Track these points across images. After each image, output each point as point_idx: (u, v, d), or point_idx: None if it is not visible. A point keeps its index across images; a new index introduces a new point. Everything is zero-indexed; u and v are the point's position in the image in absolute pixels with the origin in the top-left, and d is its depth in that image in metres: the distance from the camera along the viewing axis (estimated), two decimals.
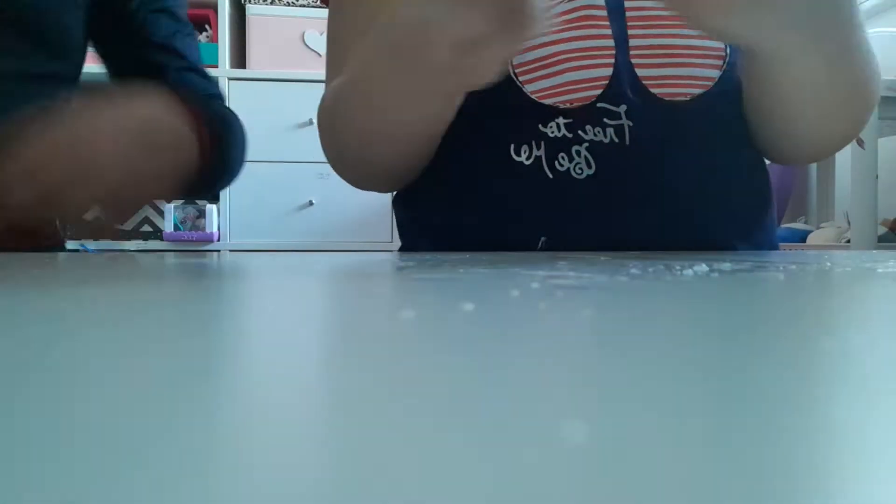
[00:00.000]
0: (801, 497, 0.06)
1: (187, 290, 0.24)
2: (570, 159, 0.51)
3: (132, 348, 0.13)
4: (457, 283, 0.26)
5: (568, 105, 0.52)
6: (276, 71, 2.19)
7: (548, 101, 0.52)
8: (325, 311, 0.21)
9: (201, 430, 0.08)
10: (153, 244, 2.28)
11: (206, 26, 2.27)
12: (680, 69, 0.53)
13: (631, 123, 0.51)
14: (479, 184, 0.55)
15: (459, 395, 0.10)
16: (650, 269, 0.30)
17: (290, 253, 0.60)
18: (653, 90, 0.52)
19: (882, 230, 1.88)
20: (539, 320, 0.17)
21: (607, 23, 0.52)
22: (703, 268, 0.31)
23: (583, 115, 0.51)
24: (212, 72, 0.80)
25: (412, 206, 0.62)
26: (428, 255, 0.45)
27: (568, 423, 0.08)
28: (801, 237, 2.17)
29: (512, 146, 0.53)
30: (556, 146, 0.52)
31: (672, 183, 0.53)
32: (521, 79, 0.53)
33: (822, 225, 2.23)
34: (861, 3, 2.32)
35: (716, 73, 0.54)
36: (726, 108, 0.54)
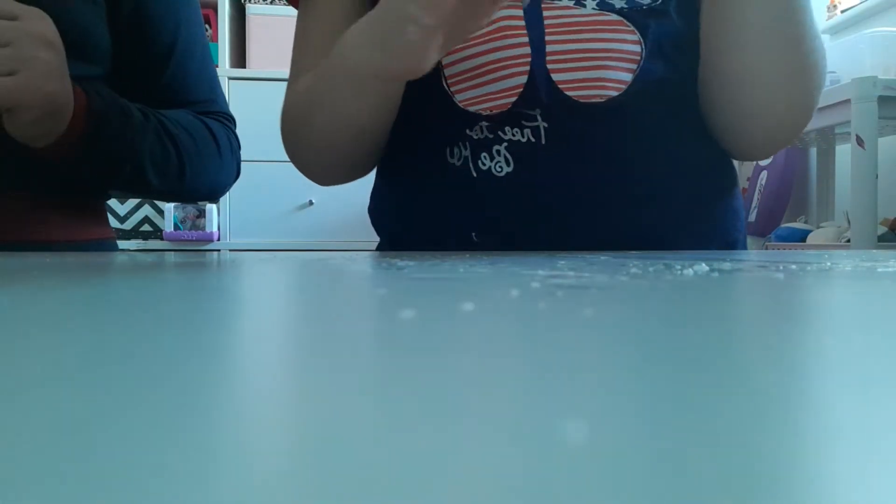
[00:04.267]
0: (800, 497, 0.06)
1: (185, 289, 0.24)
2: (492, 158, 0.56)
3: (125, 346, 0.13)
4: (457, 282, 0.26)
5: (489, 112, 0.56)
6: (276, 71, 2.19)
7: (471, 109, 0.57)
8: (325, 310, 0.21)
9: (200, 430, 0.08)
10: (153, 244, 2.28)
11: (206, 26, 2.27)
12: (594, 72, 0.55)
13: (546, 125, 0.55)
14: (422, 185, 0.61)
15: (459, 394, 0.10)
16: (650, 269, 0.30)
17: (290, 252, 0.60)
18: (568, 93, 0.55)
19: (882, 230, 1.88)
20: (539, 320, 0.17)
21: (524, 31, 0.56)
22: (703, 267, 0.31)
23: (502, 119, 0.56)
24: None
25: (373, 212, 0.69)
26: (428, 255, 0.45)
27: (567, 422, 0.08)
28: (801, 237, 2.17)
29: (447, 149, 0.58)
30: (480, 146, 0.57)
31: (588, 179, 0.56)
32: (451, 89, 0.58)
33: (822, 225, 2.23)
34: (861, 3, 2.32)
35: (629, 77, 0.56)
36: (640, 110, 0.57)
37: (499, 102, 0.56)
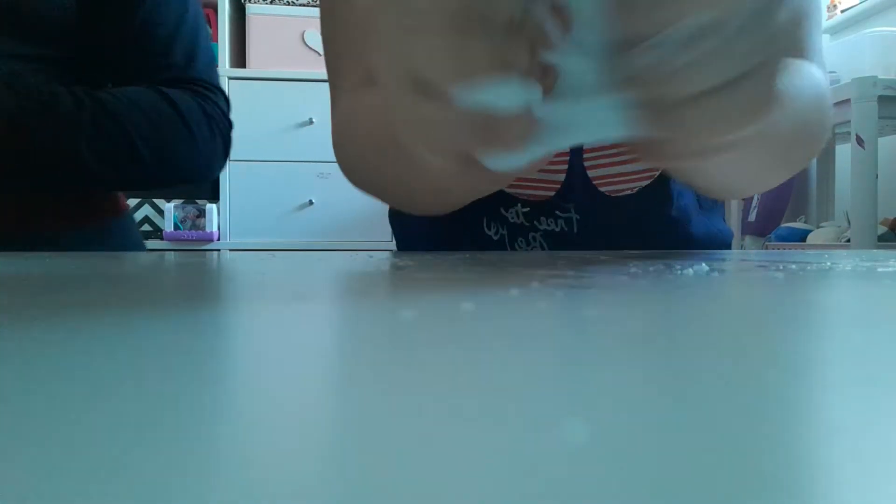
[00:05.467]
0: (801, 497, 0.06)
1: (185, 290, 0.24)
2: (528, 243, 0.58)
3: (135, 348, 0.13)
4: (457, 282, 0.26)
5: (525, 198, 0.58)
6: (276, 70, 2.19)
7: (510, 192, 0.58)
8: (325, 310, 0.21)
9: (201, 430, 0.08)
10: (153, 244, 2.28)
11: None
12: (627, 166, 0.57)
13: (578, 217, 0.58)
14: (461, 247, 0.61)
15: (459, 394, 0.10)
16: (650, 269, 0.30)
17: (290, 252, 0.60)
18: (602, 189, 0.57)
19: (882, 230, 1.88)
20: (539, 320, 0.17)
21: None
22: (703, 267, 0.31)
23: (538, 208, 0.58)
24: None
25: (399, 239, 0.69)
26: (428, 255, 0.45)
27: (567, 422, 0.08)
28: (801, 237, 2.17)
29: (485, 220, 0.60)
30: (516, 231, 0.59)
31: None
32: None
33: (822, 224, 2.23)
34: (861, 3, 2.32)
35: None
36: (667, 188, 0.59)
37: (537, 193, 0.57)
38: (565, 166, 0.57)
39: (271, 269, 0.35)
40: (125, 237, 0.76)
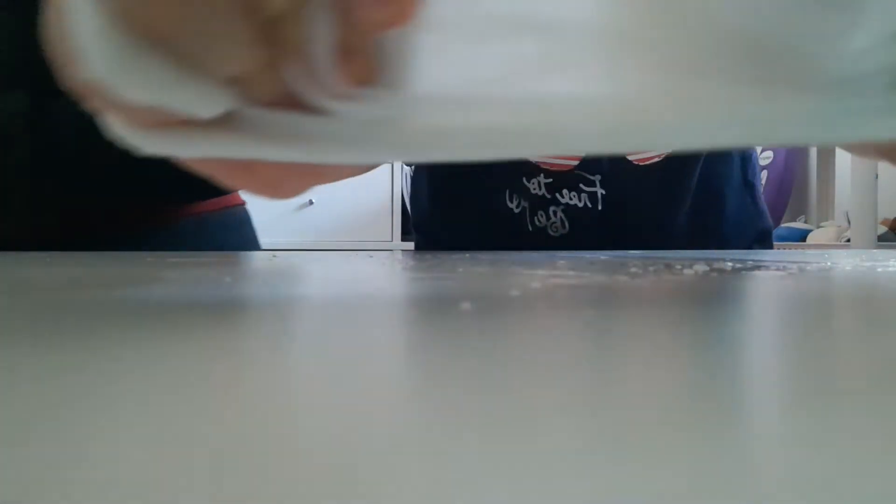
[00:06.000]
0: (801, 497, 0.06)
1: (190, 290, 0.24)
2: (548, 218, 0.57)
3: (146, 343, 0.13)
4: (457, 282, 0.26)
5: (548, 167, 0.56)
6: None
7: (533, 160, 0.56)
8: (325, 310, 0.21)
9: (203, 430, 0.08)
10: None
11: None
12: None
13: (604, 191, 0.55)
14: (473, 223, 0.61)
15: (458, 394, 0.10)
16: (650, 269, 0.30)
17: (290, 252, 0.60)
18: (629, 157, 0.55)
19: (882, 230, 1.88)
20: (539, 320, 0.17)
21: None
22: (703, 267, 0.31)
23: (561, 179, 0.56)
24: None
25: (417, 223, 0.68)
26: (428, 255, 0.45)
27: (567, 422, 0.08)
28: (801, 237, 2.17)
29: (507, 192, 0.58)
30: (537, 203, 0.57)
31: (642, 237, 0.56)
32: None
33: (822, 224, 2.23)
34: None
35: None
36: (694, 159, 0.57)
37: (560, 161, 0.56)
38: None
39: (271, 269, 0.35)
40: (223, 234, 0.71)
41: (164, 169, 0.58)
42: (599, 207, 0.55)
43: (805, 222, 2.39)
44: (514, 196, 0.57)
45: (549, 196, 0.56)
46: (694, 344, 0.14)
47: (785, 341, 0.15)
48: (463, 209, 0.62)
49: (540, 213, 0.56)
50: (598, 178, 0.55)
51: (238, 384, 0.10)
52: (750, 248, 0.61)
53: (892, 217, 2.00)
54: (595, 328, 0.15)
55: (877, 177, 1.72)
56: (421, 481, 0.06)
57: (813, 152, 2.51)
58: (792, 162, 2.50)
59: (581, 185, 0.55)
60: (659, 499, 0.06)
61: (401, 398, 0.09)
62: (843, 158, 2.24)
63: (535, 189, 0.56)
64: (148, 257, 0.41)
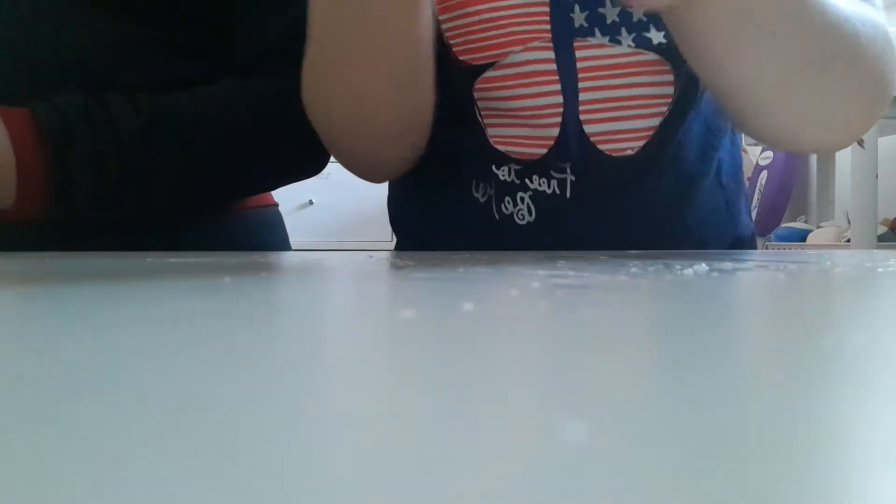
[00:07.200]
0: (801, 497, 0.06)
1: (194, 290, 0.24)
2: (514, 204, 0.55)
3: (141, 349, 0.13)
4: (457, 282, 0.26)
5: (518, 157, 0.54)
6: None
7: (501, 149, 0.55)
8: (325, 310, 0.21)
9: (204, 430, 0.08)
10: None
11: None
12: (626, 122, 0.53)
13: (574, 178, 0.54)
14: (446, 210, 0.59)
15: (458, 395, 0.10)
16: (650, 269, 0.30)
17: (290, 252, 0.60)
18: (600, 146, 0.53)
19: (882, 230, 1.88)
20: (539, 319, 0.17)
21: (556, 77, 0.53)
22: (703, 267, 0.31)
23: (532, 165, 0.54)
24: None
25: (394, 221, 0.67)
26: (428, 255, 0.45)
27: (567, 422, 0.08)
28: (801, 237, 2.17)
29: (473, 182, 0.56)
30: (504, 190, 0.55)
31: (610, 235, 0.55)
32: (485, 121, 0.55)
33: (822, 224, 2.23)
34: None
35: (657, 122, 0.54)
36: (665, 156, 0.55)
37: (530, 150, 0.54)
38: (558, 119, 0.53)
39: (271, 269, 0.35)
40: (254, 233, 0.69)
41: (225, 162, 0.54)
42: (568, 195, 0.54)
43: (805, 222, 2.39)
44: (481, 185, 0.56)
45: (517, 181, 0.54)
46: (694, 344, 0.14)
47: (784, 342, 0.15)
48: (432, 202, 0.61)
49: (507, 199, 0.55)
50: (568, 165, 0.53)
51: (238, 384, 0.10)
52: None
53: (892, 217, 2.00)
54: (595, 329, 0.15)
55: (877, 177, 1.72)
56: (420, 482, 0.06)
57: None
58: (792, 162, 2.51)
59: (552, 172, 0.54)
60: (659, 499, 0.06)
61: (401, 398, 0.09)
62: (843, 158, 2.24)
63: (503, 175, 0.55)
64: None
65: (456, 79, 0.55)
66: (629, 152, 0.53)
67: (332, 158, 0.61)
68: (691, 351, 0.13)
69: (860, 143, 1.69)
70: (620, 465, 0.07)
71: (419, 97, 0.51)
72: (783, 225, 2.37)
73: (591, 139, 0.53)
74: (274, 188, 0.67)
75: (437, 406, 0.09)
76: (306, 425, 0.08)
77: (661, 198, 0.55)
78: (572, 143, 0.53)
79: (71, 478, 0.06)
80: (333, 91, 0.51)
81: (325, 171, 0.68)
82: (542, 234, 0.54)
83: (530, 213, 0.54)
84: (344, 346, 0.14)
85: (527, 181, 0.54)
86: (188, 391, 0.10)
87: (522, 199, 0.54)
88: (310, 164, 0.63)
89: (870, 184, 1.71)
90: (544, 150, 0.53)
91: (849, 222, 1.94)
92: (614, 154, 0.53)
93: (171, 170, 0.53)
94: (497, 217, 0.55)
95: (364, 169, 0.58)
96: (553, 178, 0.54)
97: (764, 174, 2.55)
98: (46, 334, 0.14)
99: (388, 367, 0.12)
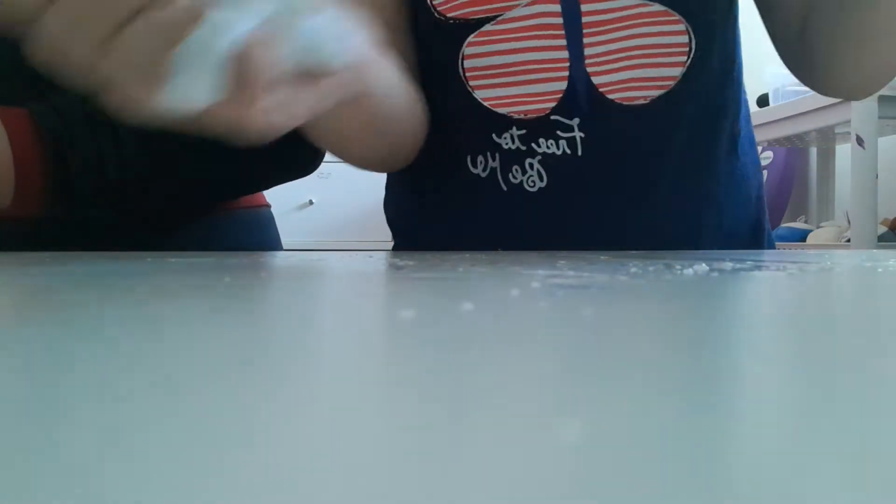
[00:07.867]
0: (797, 498, 0.06)
1: (192, 290, 0.24)
2: (524, 172, 0.52)
3: (140, 348, 0.13)
4: (456, 282, 0.26)
5: (522, 116, 0.52)
6: None
7: (501, 111, 0.52)
8: (325, 310, 0.21)
9: (204, 430, 0.08)
10: None
11: None
12: (638, 71, 0.52)
13: (583, 135, 0.51)
14: (441, 197, 0.56)
15: (459, 395, 0.09)
16: (650, 269, 0.30)
17: (290, 252, 0.59)
18: (609, 96, 0.52)
19: (882, 230, 1.88)
20: (539, 320, 0.17)
21: (562, 32, 0.51)
22: (703, 267, 0.31)
23: (537, 127, 0.52)
24: None
25: (389, 215, 0.65)
26: (428, 255, 0.45)
27: (568, 423, 0.08)
28: (801, 237, 2.17)
29: (469, 158, 0.54)
30: (510, 158, 0.52)
31: (627, 190, 0.53)
32: (471, 83, 0.53)
33: (822, 224, 2.23)
34: None
35: (678, 72, 0.52)
36: (692, 107, 0.53)
37: (534, 107, 0.52)
38: (565, 73, 0.51)
39: (270, 269, 0.35)
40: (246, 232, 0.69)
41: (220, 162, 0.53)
42: (579, 153, 0.51)
43: (805, 222, 2.39)
44: (479, 158, 0.53)
45: (523, 148, 0.52)
46: (694, 344, 0.14)
47: (784, 342, 0.15)
48: (427, 189, 0.58)
49: (515, 168, 0.52)
50: (576, 121, 0.51)
51: (238, 384, 0.10)
52: (744, 232, 0.58)
53: (892, 217, 2.00)
54: (595, 329, 0.15)
55: (877, 177, 1.72)
56: (420, 482, 0.06)
57: (813, 152, 2.51)
58: (792, 162, 2.50)
59: (558, 132, 0.51)
60: (659, 499, 0.06)
61: (401, 398, 0.09)
62: (843, 158, 2.24)
63: (507, 144, 0.52)
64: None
65: (437, 41, 0.52)
66: (641, 101, 0.52)
67: (332, 158, 0.60)
68: (691, 351, 0.13)
69: (860, 143, 1.69)
70: (620, 465, 0.07)
71: (417, 113, 0.51)
72: (783, 225, 2.37)
73: (601, 89, 0.51)
74: (271, 186, 0.68)
75: (437, 406, 0.09)
76: (306, 425, 0.08)
77: (678, 157, 0.53)
78: (580, 95, 0.51)
79: (71, 477, 0.06)
80: (333, 146, 0.51)
81: (325, 171, 0.68)
82: (556, 200, 0.52)
83: (541, 179, 0.52)
84: (344, 347, 0.14)
85: (534, 146, 0.52)
86: (188, 391, 0.10)
87: (532, 166, 0.52)
88: (308, 163, 0.64)
89: (870, 184, 1.71)
90: (552, 105, 0.51)
91: (849, 222, 1.94)
92: (625, 102, 0.51)
93: (171, 170, 0.53)
94: (505, 188, 0.53)
95: (369, 168, 0.57)
96: (561, 137, 0.51)
97: (764, 174, 2.54)
98: (46, 334, 0.14)
99: (388, 367, 0.12)
